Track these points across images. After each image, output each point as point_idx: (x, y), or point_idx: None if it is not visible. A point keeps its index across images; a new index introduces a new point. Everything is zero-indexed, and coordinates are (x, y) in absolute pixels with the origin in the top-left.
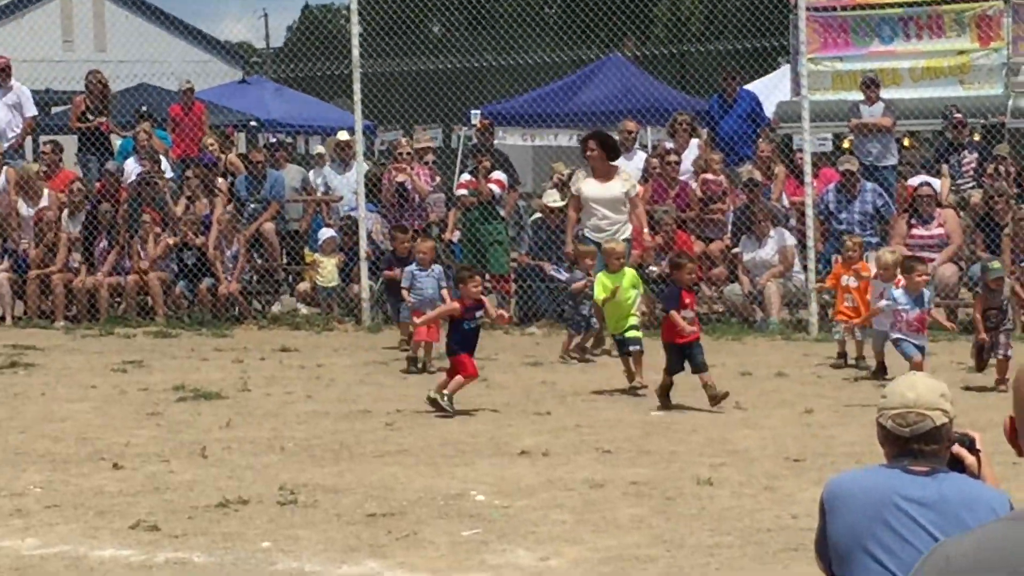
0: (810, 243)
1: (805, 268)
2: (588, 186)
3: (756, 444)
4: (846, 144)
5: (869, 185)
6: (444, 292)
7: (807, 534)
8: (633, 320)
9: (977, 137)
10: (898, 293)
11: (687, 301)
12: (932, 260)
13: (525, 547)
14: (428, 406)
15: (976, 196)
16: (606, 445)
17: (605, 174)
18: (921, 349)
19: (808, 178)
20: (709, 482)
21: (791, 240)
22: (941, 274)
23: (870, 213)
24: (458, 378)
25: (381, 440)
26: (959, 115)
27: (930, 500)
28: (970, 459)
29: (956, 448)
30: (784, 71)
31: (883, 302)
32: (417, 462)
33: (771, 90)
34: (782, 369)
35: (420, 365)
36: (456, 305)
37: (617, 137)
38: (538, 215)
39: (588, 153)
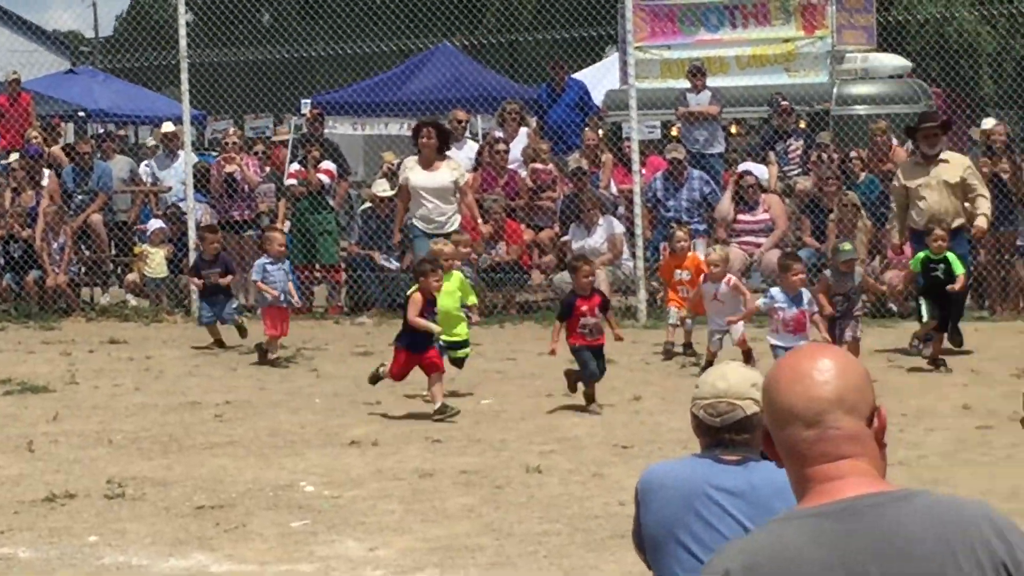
0: (638, 231)
1: (634, 256)
2: (416, 175)
3: (585, 432)
4: (674, 132)
5: (696, 173)
6: (290, 286)
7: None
8: (464, 333)
9: (803, 124)
10: (775, 291)
11: (583, 309)
12: (759, 245)
13: (354, 537)
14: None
15: (802, 183)
16: (436, 435)
17: (434, 163)
18: None
19: (636, 166)
20: (538, 470)
21: (619, 228)
22: (767, 260)
23: (697, 200)
24: (435, 389)
25: (210, 432)
26: (785, 102)
27: (740, 489)
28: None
29: None
30: (612, 60)
31: (760, 300)
32: (247, 453)
33: (599, 78)
34: (610, 356)
35: (269, 357)
36: (438, 329)
37: (448, 126)
38: (368, 205)
39: (423, 140)
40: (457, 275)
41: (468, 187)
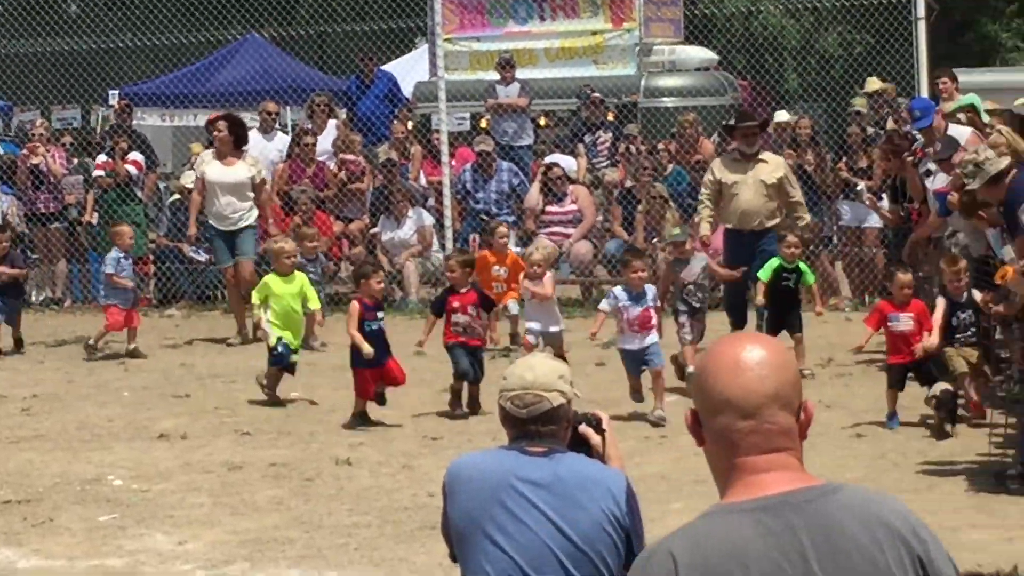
0: (448, 223)
1: (443, 247)
2: (212, 169)
3: (394, 424)
4: (483, 124)
5: (505, 164)
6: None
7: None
8: (294, 340)
9: (611, 116)
10: (618, 291)
11: (455, 305)
12: (568, 236)
13: (163, 531)
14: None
15: (610, 174)
16: (245, 427)
17: (228, 158)
18: (648, 355)
19: (445, 158)
20: (348, 462)
21: (429, 220)
22: (576, 251)
23: (506, 192)
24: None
25: (16, 426)
26: (596, 94)
27: (546, 481)
28: (595, 439)
29: (583, 428)
30: (422, 51)
31: (603, 303)
32: (54, 447)
33: (409, 70)
34: (420, 348)
35: (98, 350)
36: (367, 349)
37: (257, 118)
38: (176, 196)
39: (216, 134)
40: (301, 276)
41: (264, 184)
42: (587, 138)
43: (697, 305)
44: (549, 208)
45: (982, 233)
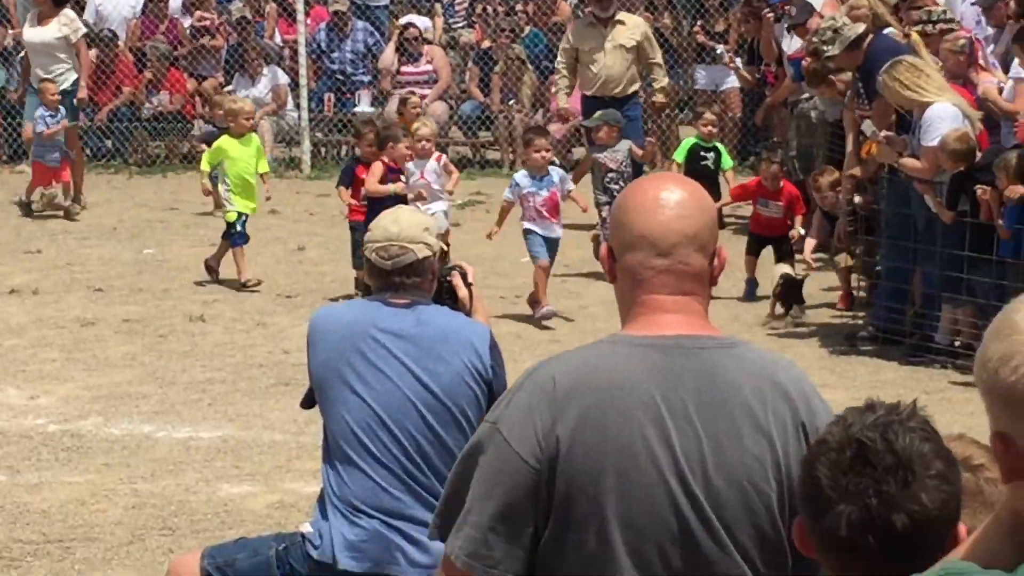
0: (303, 81)
1: (298, 106)
2: (27, 31)
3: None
4: None
5: (360, 24)
6: None
7: (299, 369)
8: (251, 204)
9: None
10: (520, 177)
11: (362, 177)
12: (424, 97)
13: (15, 386)
14: None
15: (466, 35)
16: (98, 283)
17: (47, 18)
18: (552, 243)
19: (300, 16)
20: (201, 319)
21: (284, 78)
22: (431, 111)
23: (361, 52)
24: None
25: None
26: None
27: (406, 331)
28: (463, 291)
29: (455, 279)
30: None
31: (506, 192)
32: None
33: None
34: (275, 207)
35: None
36: (399, 187)
37: None
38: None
39: None
40: (255, 137)
41: (82, 43)
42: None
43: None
44: (404, 68)
45: (836, 97)
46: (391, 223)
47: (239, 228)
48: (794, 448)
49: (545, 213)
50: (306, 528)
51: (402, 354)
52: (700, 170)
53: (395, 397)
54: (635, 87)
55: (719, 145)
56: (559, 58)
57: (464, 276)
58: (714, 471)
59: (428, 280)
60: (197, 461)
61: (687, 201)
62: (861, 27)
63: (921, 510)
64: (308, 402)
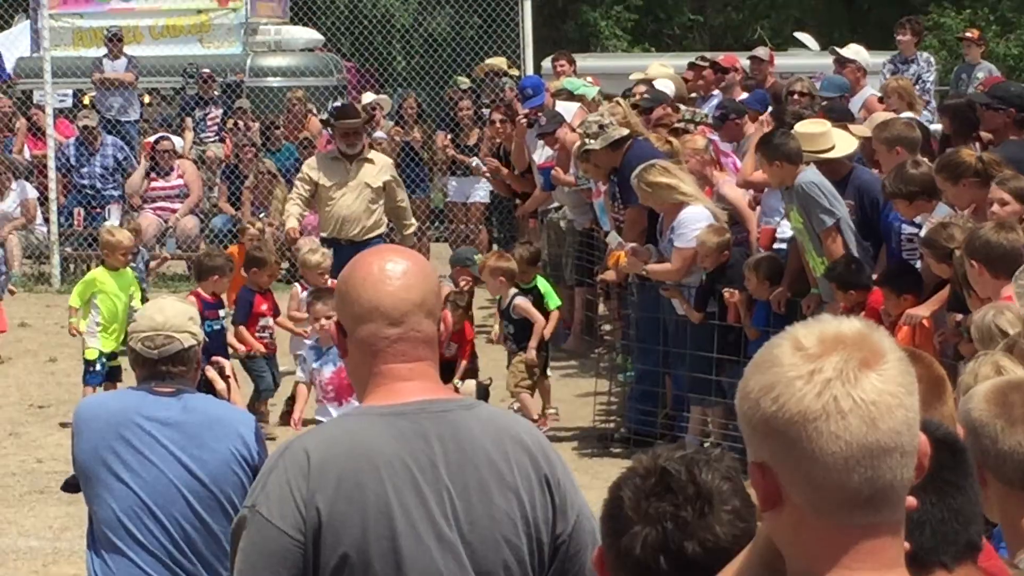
0: (52, 195)
1: (47, 220)
2: None
3: (0, 392)
4: (86, 100)
5: (110, 139)
6: None
7: (53, 477)
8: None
9: (218, 93)
10: (306, 350)
11: (264, 308)
12: (175, 211)
13: None
14: None
15: (213, 149)
16: None
17: None
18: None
19: (50, 130)
20: None
21: (33, 192)
22: (182, 226)
23: (111, 167)
24: None
25: None
26: (207, 70)
27: (172, 419)
28: (220, 384)
29: (209, 372)
30: (24, 26)
31: (298, 372)
32: None
33: (10, 45)
34: (25, 320)
35: None
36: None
37: None
38: None
39: None
40: (129, 272)
41: None
42: (197, 113)
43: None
44: (155, 183)
45: (588, 207)
46: (156, 312)
47: (98, 368)
48: (540, 501)
49: (333, 394)
50: None
51: (168, 441)
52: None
53: (161, 484)
54: (379, 232)
55: (540, 282)
56: (295, 186)
57: (222, 370)
58: (467, 528)
59: (193, 369)
60: None
61: (412, 270)
62: (625, 131)
63: (714, 540)
64: (70, 488)
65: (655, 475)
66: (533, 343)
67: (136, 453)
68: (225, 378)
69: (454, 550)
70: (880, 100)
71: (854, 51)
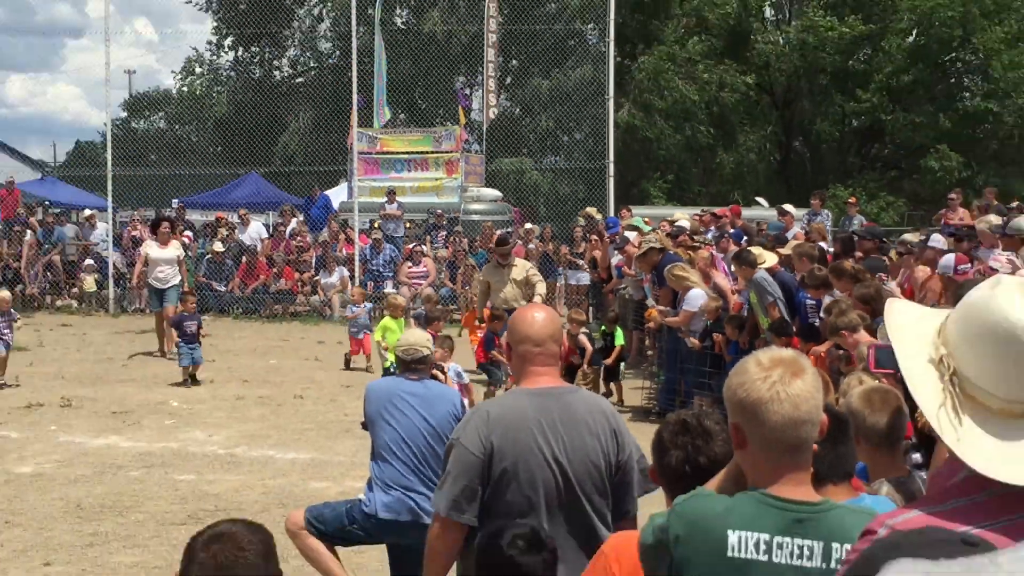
0: (356, 275)
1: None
2: (151, 248)
3: (337, 380)
4: (375, 224)
5: (388, 246)
6: None
7: (353, 421)
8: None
9: (445, 222)
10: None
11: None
12: (421, 284)
13: (199, 430)
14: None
15: (443, 252)
16: (245, 376)
17: (169, 242)
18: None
19: (357, 239)
20: (300, 396)
21: (345, 273)
22: (425, 293)
23: (387, 260)
24: None
25: (120, 373)
26: (440, 211)
27: (418, 392)
28: (440, 377)
29: (436, 373)
30: (343, 186)
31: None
32: (137, 387)
33: (337, 195)
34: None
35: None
36: None
37: (239, 217)
38: (209, 256)
39: (161, 229)
40: (401, 320)
41: (182, 259)
42: (433, 233)
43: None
44: (411, 269)
45: (640, 286)
46: (410, 336)
47: (389, 369)
48: (610, 442)
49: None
50: (361, 496)
51: (416, 405)
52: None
53: (411, 427)
54: (523, 303)
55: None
56: (479, 282)
57: (443, 371)
58: (570, 454)
59: (429, 367)
60: (296, 471)
61: (547, 317)
62: (660, 246)
63: (714, 455)
64: (364, 427)
65: (680, 423)
66: (585, 360)
67: (398, 410)
68: (444, 373)
69: (562, 467)
70: (806, 234)
71: (789, 208)
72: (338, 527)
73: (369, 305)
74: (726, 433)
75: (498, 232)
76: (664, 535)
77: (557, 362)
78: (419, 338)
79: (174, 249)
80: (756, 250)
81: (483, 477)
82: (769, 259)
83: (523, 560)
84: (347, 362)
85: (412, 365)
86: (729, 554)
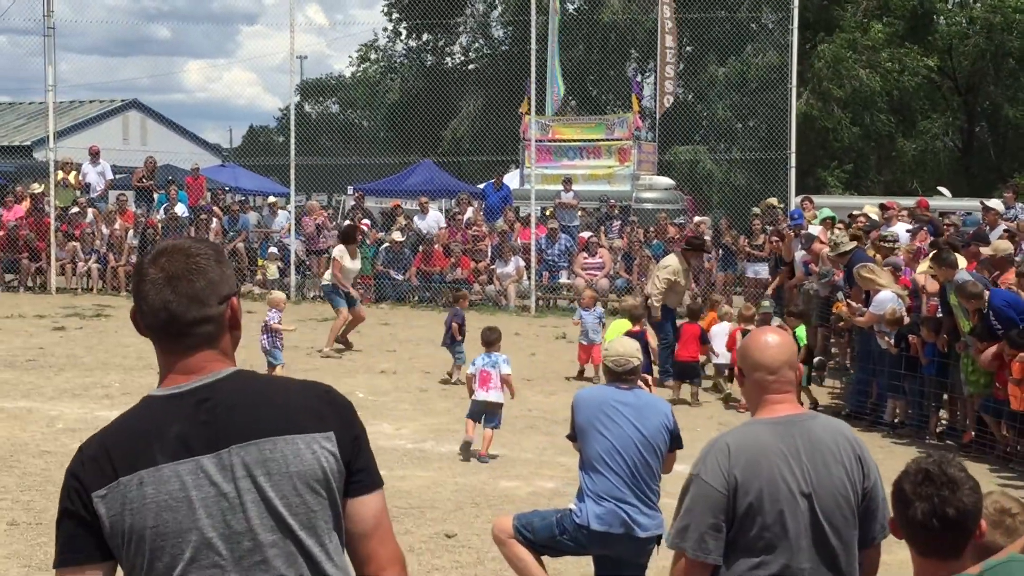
0: (533, 265)
1: (530, 279)
2: (345, 260)
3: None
4: (548, 213)
5: (564, 236)
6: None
7: (540, 421)
8: None
9: (617, 211)
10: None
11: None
12: (596, 275)
13: (387, 422)
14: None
15: (617, 242)
16: (426, 368)
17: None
18: None
19: (533, 229)
20: None
21: (521, 263)
22: (601, 284)
23: (564, 250)
24: None
25: (306, 360)
26: (612, 200)
27: (629, 402)
28: (647, 385)
29: (642, 383)
30: (515, 172)
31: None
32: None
33: (509, 183)
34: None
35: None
36: None
37: (418, 206)
38: (386, 244)
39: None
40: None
41: (337, 263)
42: (607, 223)
43: None
44: (586, 260)
45: (828, 283)
46: (619, 345)
47: None
48: (856, 469)
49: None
50: (572, 506)
51: (627, 413)
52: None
53: (623, 437)
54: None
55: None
56: (667, 278)
57: (647, 383)
58: (816, 485)
59: (637, 376)
60: (486, 469)
61: (781, 341)
62: (852, 244)
63: (962, 506)
64: (571, 437)
65: (922, 473)
66: None
67: (610, 419)
68: (649, 385)
69: (809, 499)
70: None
71: (994, 203)
72: (548, 536)
73: (600, 310)
74: (972, 481)
75: (688, 231)
76: None
77: (794, 388)
78: (629, 348)
79: (360, 261)
80: (950, 254)
81: (727, 514)
82: (960, 262)
83: None
84: (580, 372)
85: (623, 376)
86: None
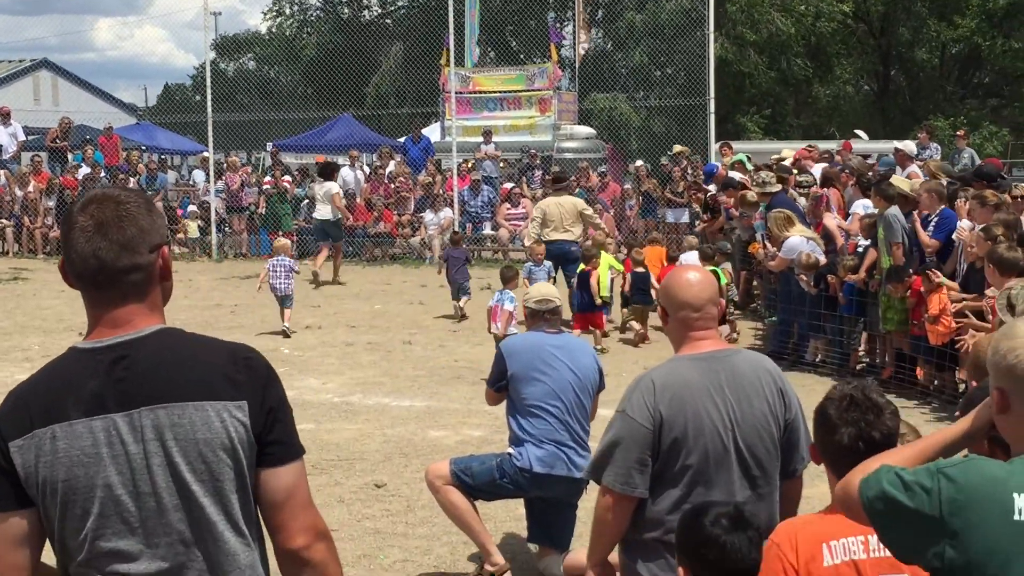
0: (456, 216)
1: (454, 230)
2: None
3: (444, 327)
4: (470, 165)
5: (486, 187)
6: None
7: (464, 370)
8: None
9: (539, 162)
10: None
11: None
12: (519, 226)
13: (313, 377)
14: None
15: (539, 193)
16: (352, 323)
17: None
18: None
19: (455, 182)
20: (409, 342)
21: (450, 214)
22: (524, 232)
23: (486, 202)
24: None
25: (228, 321)
26: (533, 150)
27: (562, 344)
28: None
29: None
30: (436, 125)
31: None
32: (244, 333)
33: (429, 136)
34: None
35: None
36: None
37: (348, 159)
38: (306, 200)
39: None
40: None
41: (338, 196)
42: (528, 174)
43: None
44: (509, 211)
45: (749, 227)
46: (542, 287)
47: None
48: (778, 402)
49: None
50: (510, 450)
51: (562, 357)
52: None
53: (561, 380)
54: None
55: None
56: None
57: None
58: (740, 419)
59: (559, 318)
60: (414, 419)
61: (703, 278)
62: (778, 187)
63: (886, 429)
64: (497, 384)
65: (847, 398)
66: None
67: (548, 365)
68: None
69: (732, 432)
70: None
71: (904, 144)
72: (487, 481)
73: (549, 264)
74: (892, 406)
75: (555, 170)
76: (929, 499)
77: (716, 324)
78: (550, 290)
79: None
80: (899, 180)
81: (653, 448)
82: (904, 185)
83: (729, 539)
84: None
85: (547, 316)
86: (1016, 517)
